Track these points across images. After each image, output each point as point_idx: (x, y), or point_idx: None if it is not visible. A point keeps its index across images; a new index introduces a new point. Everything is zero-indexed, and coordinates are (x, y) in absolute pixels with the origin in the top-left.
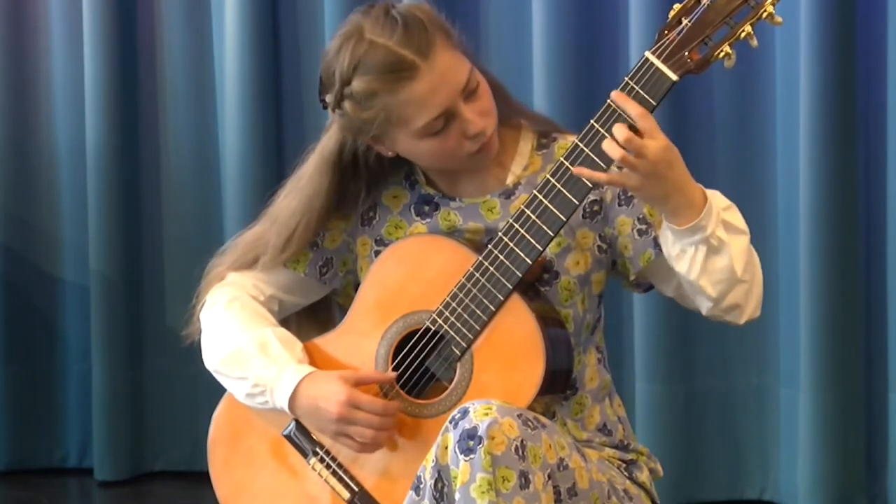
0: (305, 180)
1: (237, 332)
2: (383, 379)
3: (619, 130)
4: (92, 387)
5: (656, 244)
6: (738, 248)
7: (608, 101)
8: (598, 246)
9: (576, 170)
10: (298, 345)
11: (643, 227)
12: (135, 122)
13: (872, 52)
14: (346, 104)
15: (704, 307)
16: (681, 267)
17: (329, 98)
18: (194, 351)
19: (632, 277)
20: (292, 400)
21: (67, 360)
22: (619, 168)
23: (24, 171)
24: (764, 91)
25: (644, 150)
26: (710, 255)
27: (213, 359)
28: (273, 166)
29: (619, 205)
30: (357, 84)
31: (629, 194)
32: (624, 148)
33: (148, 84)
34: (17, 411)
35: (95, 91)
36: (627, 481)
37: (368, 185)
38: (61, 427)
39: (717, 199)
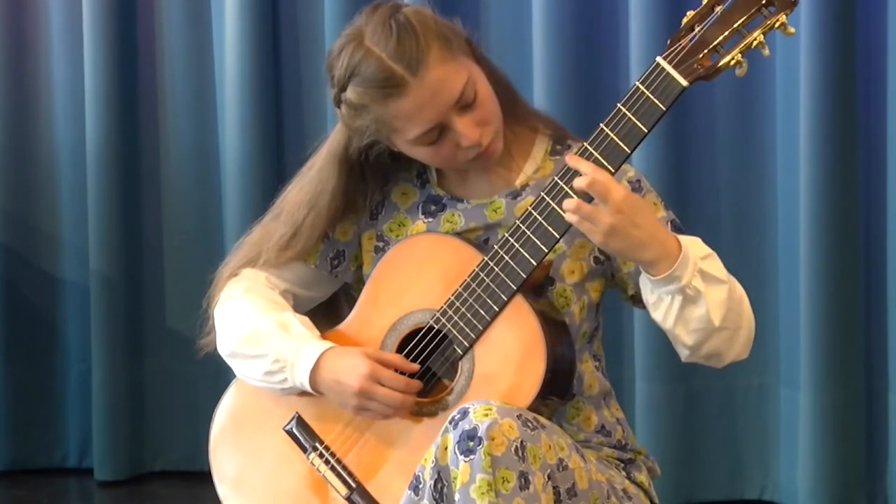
0: (314, 172)
1: (256, 315)
2: (405, 368)
3: (581, 180)
4: (92, 387)
5: None
6: (716, 299)
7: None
8: (595, 257)
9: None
10: (316, 330)
11: None
12: (135, 123)
13: (872, 52)
14: (343, 108)
15: (682, 354)
16: (657, 315)
17: (332, 96)
18: (194, 351)
19: (630, 293)
20: (314, 374)
21: (67, 360)
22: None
23: (24, 171)
24: (764, 91)
25: (607, 199)
26: (687, 305)
27: (231, 341)
28: (273, 166)
29: None
30: (350, 93)
31: None
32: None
33: (148, 84)
34: (17, 411)
35: (95, 91)
36: (626, 481)
37: (378, 182)
38: (61, 427)
39: (695, 247)
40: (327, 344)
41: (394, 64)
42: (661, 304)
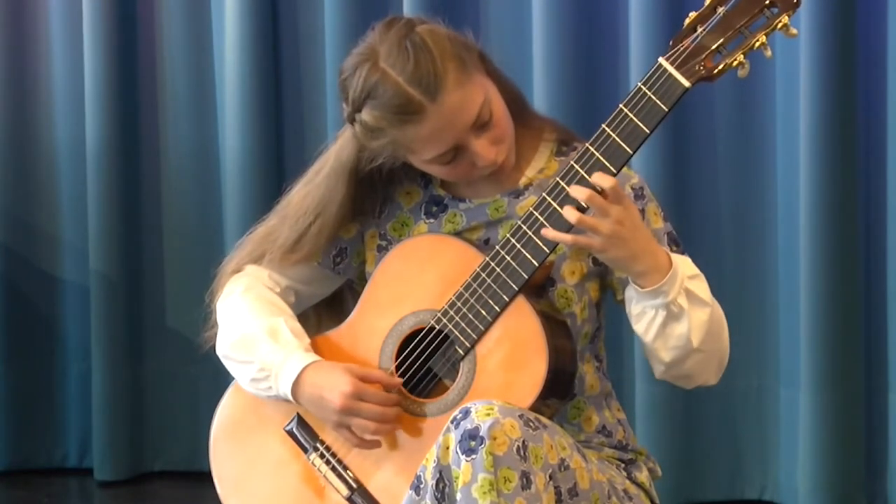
0: (322, 179)
1: (249, 319)
2: (388, 382)
3: (580, 191)
4: (92, 387)
5: None
6: (698, 319)
7: (586, 144)
8: (593, 258)
9: (544, 232)
10: (307, 338)
11: None
12: (135, 123)
13: (872, 52)
14: (357, 127)
15: (657, 370)
16: (639, 328)
17: (345, 112)
18: (194, 351)
19: (620, 297)
20: (295, 386)
21: (67, 360)
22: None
23: (24, 171)
24: (764, 91)
25: (607, 210)
26: (669, 321)
27: (225, 343)
28: (273, 166)
29: None
30: (366, 115)
31: None
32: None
33: (148, 84)
34: (17, 411)
35: (95, 91)
36: (627, 481)
37: (385, 186)
38: (61, 427)
39: (684, 266)
40: (311, 357)
41: (411, 89)
42: (643, 317)
